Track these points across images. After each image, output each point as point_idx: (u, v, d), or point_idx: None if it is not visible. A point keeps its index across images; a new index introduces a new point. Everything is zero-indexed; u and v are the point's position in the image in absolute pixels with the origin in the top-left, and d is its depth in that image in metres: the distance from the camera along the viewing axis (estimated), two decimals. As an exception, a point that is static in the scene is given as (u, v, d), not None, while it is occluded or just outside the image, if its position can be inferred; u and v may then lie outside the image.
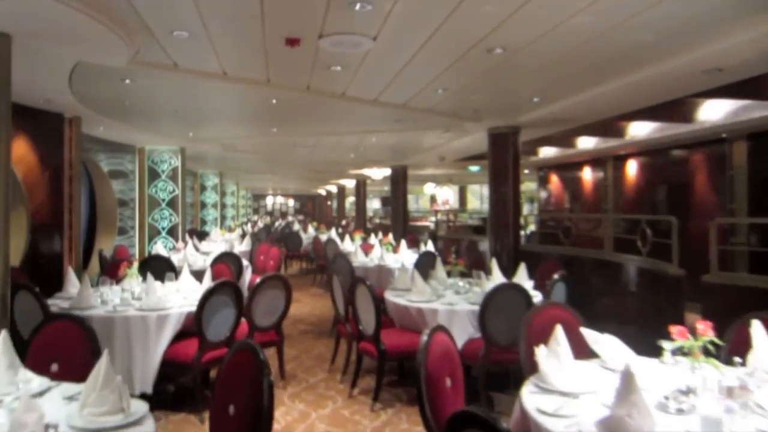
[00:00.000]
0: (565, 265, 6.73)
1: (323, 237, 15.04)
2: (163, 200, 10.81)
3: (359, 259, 9.10)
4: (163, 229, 10.84)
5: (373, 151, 12.60)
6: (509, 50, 4.62)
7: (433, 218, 19.51)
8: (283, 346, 5.74)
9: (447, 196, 19.69)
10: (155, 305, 4.89)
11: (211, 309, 4.81)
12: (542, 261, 6.89)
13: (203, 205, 18.04)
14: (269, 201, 42.77)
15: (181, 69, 5.07)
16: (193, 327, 4.75)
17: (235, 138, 10.18)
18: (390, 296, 5.72)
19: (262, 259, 10.00)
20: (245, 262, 8.93)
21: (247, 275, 8.90)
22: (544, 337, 3.29)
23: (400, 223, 15.20)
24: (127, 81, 5.47)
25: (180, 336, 4.93)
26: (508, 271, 6.63)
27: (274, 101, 6.48)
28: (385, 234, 13.50)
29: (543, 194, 15.68)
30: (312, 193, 40.65)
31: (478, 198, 29.89)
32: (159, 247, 9.03)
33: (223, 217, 24.11)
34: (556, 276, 5.52)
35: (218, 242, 12.39)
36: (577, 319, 3.73)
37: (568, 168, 14.01)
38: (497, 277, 6.30)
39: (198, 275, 6.21)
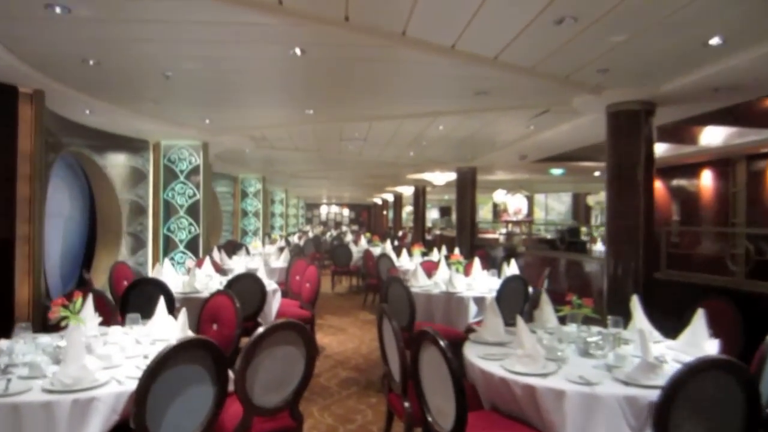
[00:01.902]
0: (740, 308, 4.27)
1: (376, 250, 12.98)
2: (181, 206, 8.88)
3: (420, 283, 6.85)
4: (181, 241, 8.92)
5: (437, 147, 10.31)
6: None
7: (503, 230, 17.02)
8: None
9: (519, 204, 17.19)
10: (74, 381, 2.82)
11: (165, 389, 2.72)
12: (703, 301, 4.38)
13: (244, 214, 16.24)
14: (323, 210, 41.17)
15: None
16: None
17: (265, 126, 8.12)
18: (474, 356, 3.49)
19: (297, 280, 7.89)
20: (273, 285, 6.86)
21: (275, 304, 6.81)
22: None
23: (468, 236, 12.83)
24: (57, 9, 3.46)
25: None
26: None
27: (297, 51, 4.33)
28: (451, 249, 11.23)
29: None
30: (368, 202, 38.77)
31: (543, 208, 27.17)
32: (166, 267, 7.05)
33: (272, 227, 22.46)
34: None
35: (254, 257, 10.45)
36: None
37: (678, 171, 11.29)
38: (643, 326, 3.98)
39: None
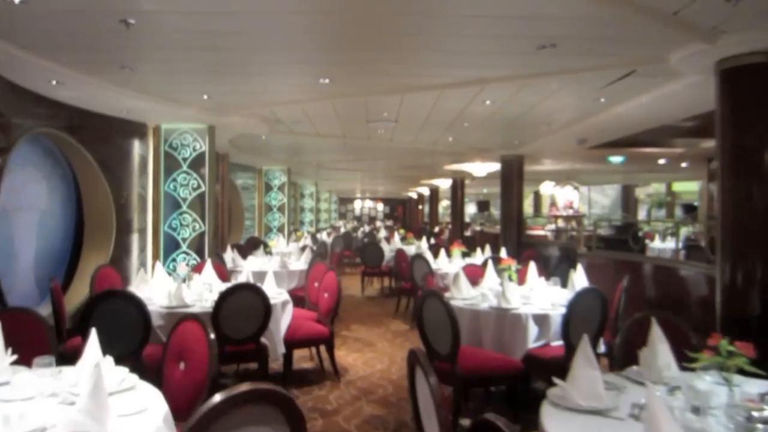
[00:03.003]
0: None
1: (411, 249, 11.66)
2: (184, 200, 7.70)
3: (463, 294, 5.48)
4: (184, 240, 7.73)
5: (480, 130, 8.86)
6: None
7: (551, 226, 15.46)
8: None
9: (570, 197, 15.59)
10: None
11: None
12: None
13: (268, 209, 15.10)
14: (357, 205, 40.01)
15: None
16: None
17: (275, 104, 6.80)
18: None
19: (316, 288, 6.61)
20: (283, 296, 5.60)
21: (285, 319, 5.54)
22: None
23: (514, 234, 11.35)
24: None
25: None
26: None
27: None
28: (495, 248, 9.81)
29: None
30: (403, 197, 37.44)
31: (586, 201, 25.53)
32: (159, 272, 5.86)
33: (301, 223, 21.39)
34: None
35: (272, 258, 9.21)
36: None
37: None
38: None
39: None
